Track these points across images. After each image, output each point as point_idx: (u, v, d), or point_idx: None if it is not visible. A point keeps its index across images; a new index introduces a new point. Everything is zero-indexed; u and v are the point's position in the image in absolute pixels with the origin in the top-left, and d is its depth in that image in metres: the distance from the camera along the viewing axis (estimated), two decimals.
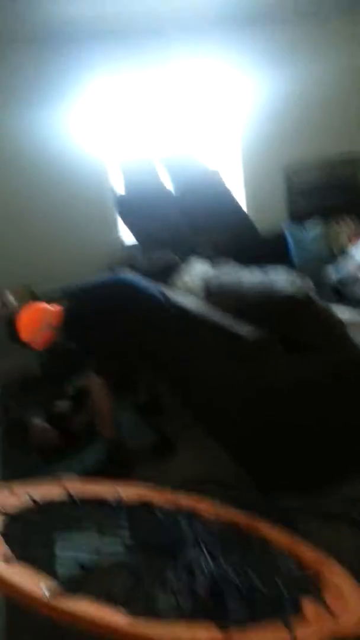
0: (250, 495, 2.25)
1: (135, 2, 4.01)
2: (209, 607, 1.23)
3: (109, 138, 4.82)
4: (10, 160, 4.51)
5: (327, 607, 1.21)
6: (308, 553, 1.53)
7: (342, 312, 2.86)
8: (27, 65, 4.42)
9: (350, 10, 5.13)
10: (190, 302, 2.98)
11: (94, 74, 4.58)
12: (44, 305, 2.74)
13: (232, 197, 4.91)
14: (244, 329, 2.34)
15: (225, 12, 4.62)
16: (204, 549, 1.41)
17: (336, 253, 4.71)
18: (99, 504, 1.63)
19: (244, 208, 5.14)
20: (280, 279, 2.82)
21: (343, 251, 4.60)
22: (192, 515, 1.66)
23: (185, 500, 1.75)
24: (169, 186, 4.87)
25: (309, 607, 1.19)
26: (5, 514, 1.37)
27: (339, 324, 2.51)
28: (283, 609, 1.15)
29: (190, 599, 1.64)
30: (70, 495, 1.60)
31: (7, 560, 1.13)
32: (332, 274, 4.01)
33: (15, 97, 4.44)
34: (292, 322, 2.43)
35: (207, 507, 1.72)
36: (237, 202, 4.92)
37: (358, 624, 1.18)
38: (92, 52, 4.52)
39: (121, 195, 4.72)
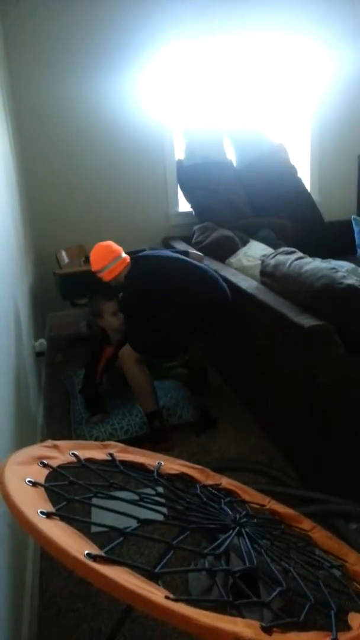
0: (293, 490, 2.19)
1: None
2: (245, 597, 1.17)
3: (175, 104, 4.70)
4: (73, 124, 4.46)
5: None
6: (356, 564, 1.45)
7: None
8: (99, 22, 4.32)
9: None
10: (246, 283, 2.90)
11: (166, 37, 4.45)
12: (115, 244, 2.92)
13: (297, 177, 4.75)
14: (299, 317, 2.25)
15: None
16: (246, 536, 1.35)
17: None
18: (141, 472, 1.59)
19: (310, 190, 4.98)
20: (343, 269, 2.70)
21: None
22: (234, 499, 1.60)
23: (228, 483, 1.69)
24: (233, 159, 4.75)
25: (357, 623, 1.12)
26: (50, 468, 1.33)
27: None
28: (330, 621, 1.08)
29: (225, 584, 1.60)
30: (113, 459, 1.56)
31: (49, 517, 1.09)
32: None
33: (82, 58, 4.36)
34: (352, 315, 2.32)
35: (250, 494, 1.66)
36: (302, 184, 4.76)
37: None
38: (165, 14, 4.39)
39: (183, 163, 4.62)
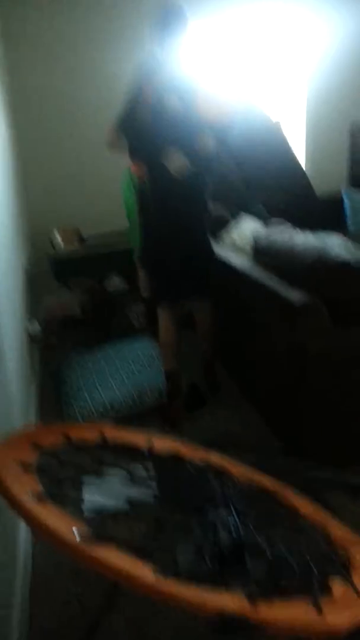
0: (278, 462, 2.24)
1: None
2: (233, 569, 1.21)
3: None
4: (71, 103, 4.39)
5: (356, 590, 1.18)
6: (338, 530, 1.49)
7: None
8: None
9: None
10: (238, 259, 2.91)
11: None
12: None
13: (292, 153, 4.70)
14: (292, 294, 2.26)
15: None
16: (233, 510, 1.39)
17: None
18: (132, 450, 1.62)
19: (303, 165, 4.93)
20: (335, 244, 2.71)
21: None
22: (223, 475, 1.64)
23: (217, 459, 1.73)
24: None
25: (338, 588, 1.16)
26: (41, 450, 1.36)
27: None
28: (312, 586, 1.13)
29: (213, 557, 1.65)
30: (104, 439, 1.59)
31: (40, 498, 1.12)
32: None
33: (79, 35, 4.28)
34: (344, 291, 2.34)
35: (238, 469, 1.70)
36: (296, 160, 4.71)
37: None
38: None
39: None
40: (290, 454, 2.38)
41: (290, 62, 4.89)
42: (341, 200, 4.75)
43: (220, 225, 3.71)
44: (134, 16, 4.30)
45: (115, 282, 4.31)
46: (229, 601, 0.99)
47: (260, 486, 1.63)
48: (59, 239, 4.27)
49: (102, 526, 1.18)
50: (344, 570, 1.26)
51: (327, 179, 5.02)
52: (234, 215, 3.87)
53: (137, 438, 1.68)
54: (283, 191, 4.46)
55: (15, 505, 1.07)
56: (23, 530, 2.04)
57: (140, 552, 1.09)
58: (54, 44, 4.20)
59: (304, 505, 1.62)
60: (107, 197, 4.60)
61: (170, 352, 2.97)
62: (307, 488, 1.87)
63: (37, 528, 1.03)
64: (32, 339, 3.16)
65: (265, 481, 1.68)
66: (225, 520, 1.35)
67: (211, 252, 3.08)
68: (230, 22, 4.54)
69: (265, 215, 4.07)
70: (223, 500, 1.43)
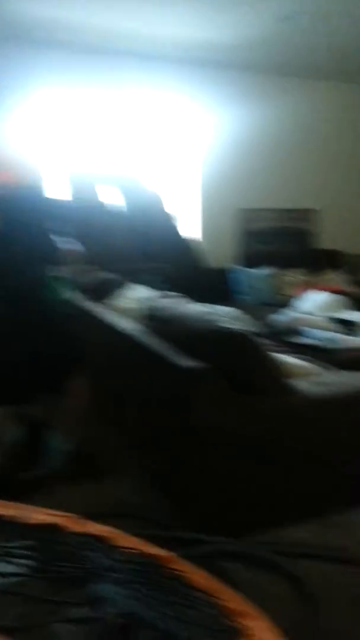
0: (171, 532, 2.12)
1: (104, 17, 3.98)
2: None
3: (53, 148, 4.76)
4: None
5: None
6: (231, 601, 1.40)
7: (286, 358, 2.82)
8: None
9: (321, 70, 5.39)
10: (127, 325, 2.87)
11: (41, 82, 4.51)
12: None
13: (173, 225, 4.92)
14: (182, 359, 2.24)
15: (195, 54, 4.72)
16: (118, 582, 1.27)
17: (281, 301, 4.77)
18: (7, 523, 1.45)
19: (198, 243, 5.14)
20: (226, 315, 2.78)
21: (288, 300, 4.67)
22: (106, 546, 1.50)
23: (100, 529, 1.60)
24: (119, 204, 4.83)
25: None
26: None
27: (278, 368, 2.47)
28: None
29: (97, 634, 1.48)
30: None
31: None
32: (275, 320, 4.02)
33: None
34: (230, 359, 2.36)
35: (127, 539, 1.57)
36: (177, 230, 4.93)
37: None
38: (41, 59, 4.46)
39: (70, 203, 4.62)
40: (184, 524, 2.27)
41: (184, 149, 5.20)
42: (227, 274, 5.03)
43: (108, 290, 3.67)
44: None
45: None
46: None
47: (147, 556, 1.51)
48: None
49: None
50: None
51: (220, 256, 5.26)
52: (124, 284, 3.87)
53: (13, 510, 1.51)
54: (170, 261, 4.61)
55: None
56: None
57: (12, 633, 0.95)
58: None
59: (197, 576, 1.53)
60: None
61: None
62: (202, 558, 1.78)
63: None
64: None
65: (154, 551, 1.57)
66: (110, 593, 1.23)
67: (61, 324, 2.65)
68: (123, 99, 4.80)
69: (157, 284, 4.13)
70: (105, 572, 1.31)
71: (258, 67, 5.08)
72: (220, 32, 4.21)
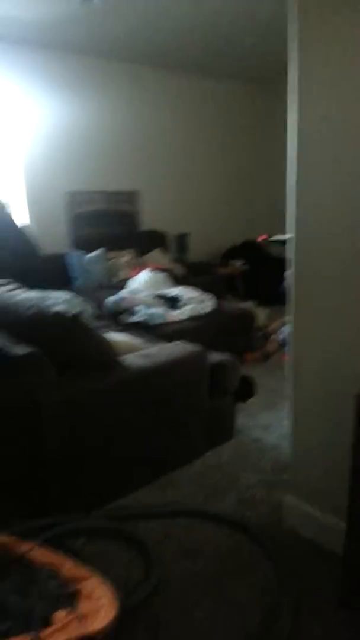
0: (12, 517, 2.16)
1: None
2: None
3: None
4: None
5: (78, 615, 1.24)
6: (71, 569, 1.53)
7: (116, 336, 2.94)
8: None
9: (147, 59, 5.51)
10: None
11: None
12: None
13: (6, 212, 4.80)
14: (13, 347, 2.26)
15: (21, 35, 4.58)
16: None
17: (115, 282, 4.90)
18: None
19: (29, 229, 5.05)
20: (56, 299, 2.81)
21: (121, 280, 4.82)
22: None
23: None
24: None
25: (59, 617, 1.24)
26: None
27: (109, 346, 2.58)
28: (34, 622, 1.15)
29: None
30: None
31: None
32: (110, 301, 4.13)
33: None
34: (61, 341, 2.42)
35: None
36: (10, 218, 4.82)
37: (104, 626, 1.28)
38: None
39: None
40: (35, 512, 2.31)
41: (5, 135, 5.03)
42: (65, 260, 5.02)
43: None
44: None
45: None
46: None
47: None
48: None
49: None
50: (71, 602, 1.30)
51: (52, 241, 5.22)
52: None
53: None
54: (7, 250, 4.50)
55: None
56: None
57: None
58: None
59: (40, 555, 1.62)
60: None
61: None
62: (52, 539, 1.87)
63: None
64: None
65: (2, 540, 1.64)
66: None
67: None
68: None
69: None
70: None
71: (67, 46, 5.02)
72: (25, 9, 4.10)
